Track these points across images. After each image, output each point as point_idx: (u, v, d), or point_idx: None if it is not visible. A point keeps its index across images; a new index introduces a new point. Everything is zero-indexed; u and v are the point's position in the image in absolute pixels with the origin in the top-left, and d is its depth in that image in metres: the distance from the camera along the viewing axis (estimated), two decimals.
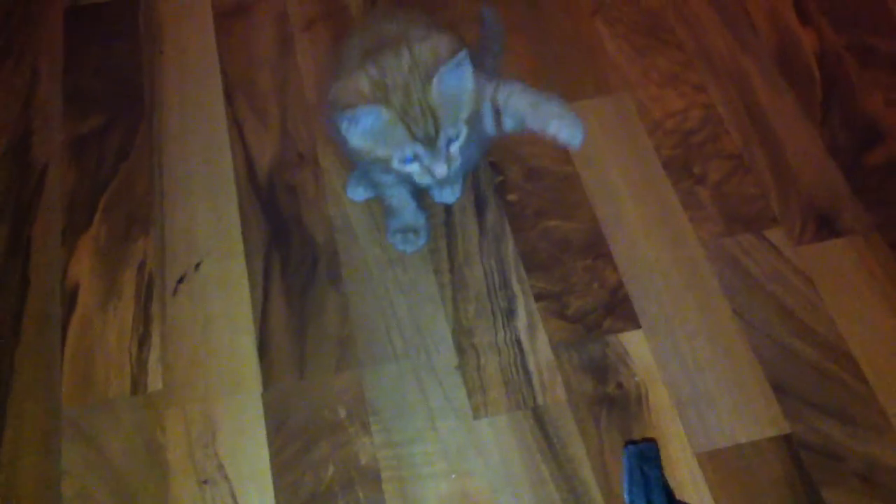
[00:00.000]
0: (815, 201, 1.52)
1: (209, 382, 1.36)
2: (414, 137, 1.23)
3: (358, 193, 1.53)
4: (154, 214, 1.54)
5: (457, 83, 1.24)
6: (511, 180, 1.55)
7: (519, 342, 1.39)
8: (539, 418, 1.32)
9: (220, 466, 1.29)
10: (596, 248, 1.48)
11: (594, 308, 1.42)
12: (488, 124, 1.37)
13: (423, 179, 1.29)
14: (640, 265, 1.46)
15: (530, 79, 1.67)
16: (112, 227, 1.53)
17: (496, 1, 1.76)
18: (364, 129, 1.23)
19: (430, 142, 1.24)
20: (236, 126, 1.65)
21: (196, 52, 1.77)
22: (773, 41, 1.74)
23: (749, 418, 1.31)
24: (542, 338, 1.39)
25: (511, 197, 1.54)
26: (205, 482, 1.27)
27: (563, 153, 1.59)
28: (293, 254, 1.49)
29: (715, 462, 1.27)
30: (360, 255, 1.48)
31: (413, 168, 1.27)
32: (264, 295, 1.44)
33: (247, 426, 1.32)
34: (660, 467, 1.17)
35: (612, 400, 1.33)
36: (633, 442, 1.27)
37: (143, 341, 1.40)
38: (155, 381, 1.36)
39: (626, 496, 1.20)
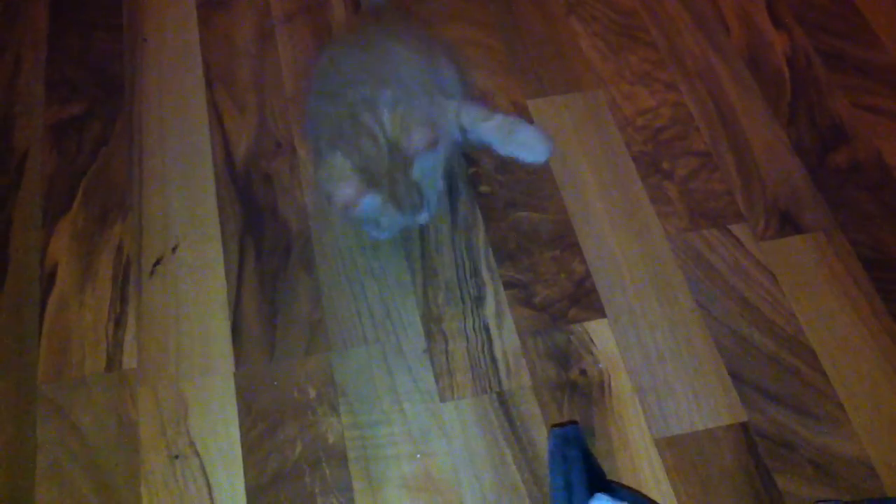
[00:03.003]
0: (780, 199, 1.56)
1: (182, 362, 1.39)
2: (403, 210, 1.33)
3: None
4: (132, 199, 1.56)
5: (433, 160, 1.32)
6: (484, 172, 1.58)
7: (487, 328, 1.42)
8: (504, 402, 1.35)
9: (191, 443, 1.31)
10: (564, 239, 1.51)
11: (561, 297, 1.45)
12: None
13: (406, 225, 1.42)
14: (606, 257, 1.50)
15: (505, 74, 1.71)
16: (91, 210, 1.55)
17: None
18: (361, 212, 1.31)
19: (415, 209, 1.34)
20: (215, 114, 1.68)
21: (177, 41, 1.79)
22: (744, 42, 1.78)
23: (707, 406, 1.35)
24: (509, 325, 1.42)
25: (483, 188, 1.57)
26: (176, 457, 1.30)
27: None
28: (267, 239, 1.52)
29: (673, 448, 1.31)
30: (333, 241, 1.51)
31: (397, 223, 1.39)
32: (238, 279, 1.47)
33: (218, 405, 1.35)
34: (581, 449, 1.20)
35: (575, 386, 1.37)
36: (559, 426, 1.31)
37: (118, 321, 1.43)
38: (129, 360, 1.39)
39: (549, 476, 1.22)
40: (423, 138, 1.29)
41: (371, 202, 1.29)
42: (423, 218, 1.38)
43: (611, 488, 1.22)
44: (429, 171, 1.33)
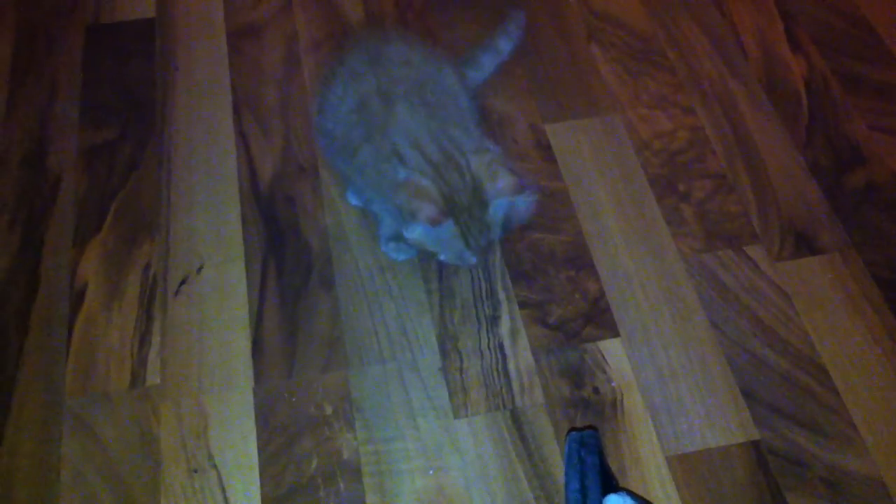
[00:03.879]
0: (795, 219, 1.57)
1: (203, 378, 1.43)
2: (469, 248, 1.36)
3: (356, 199, 1.61)
4: (160, 221, 1.61)
5: (504, 210, 1.37)
6: None
7: (501, 347, 1.45)
8: (517, 419, 1.37)
9: (210, 457, 1.35)
10: (580, 259, 1.54)
11: (575, 316, 1.47)
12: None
13: (453, 262, 1.44)
14: (621, 277, 1.52)
15: (525, 98, 1.74)
16: (120, 231, 1.60)
17: (496, 23, 1.84)
18: (430, 235, 1.34)
19: (477, 249, 1.37)
20: (242, 139, 1.72)
21: (208, 69, 1.85)
22: (762, 66, 1.80)
23: (719, 424, 1.36)
24: (524, 343, 1.45)
25: None
26: (195, 471, 1.34)
27: (553, 170, 1.65)
28: (289, 260, 1.55)
29: (684, 465, 1.32)
30: (353, 262, 1.55)
31: (450, 257, 1.42)
32: (260, 298, 1.51)
33: (237, 420, 1.38)
34: (598, 454, 1.22)
35: (588, 403, 1.38)
36: (577, 429, 1.33)
37: (143, 339, 1.47)
38: (153, 376, 1.43)
39: (564, 479, 1.24)
40: (508, 186, 1.32)
41: (448, 228, 1.32)
42: (474, 260, 1.41)
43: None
44: (499, 218, 1.37)
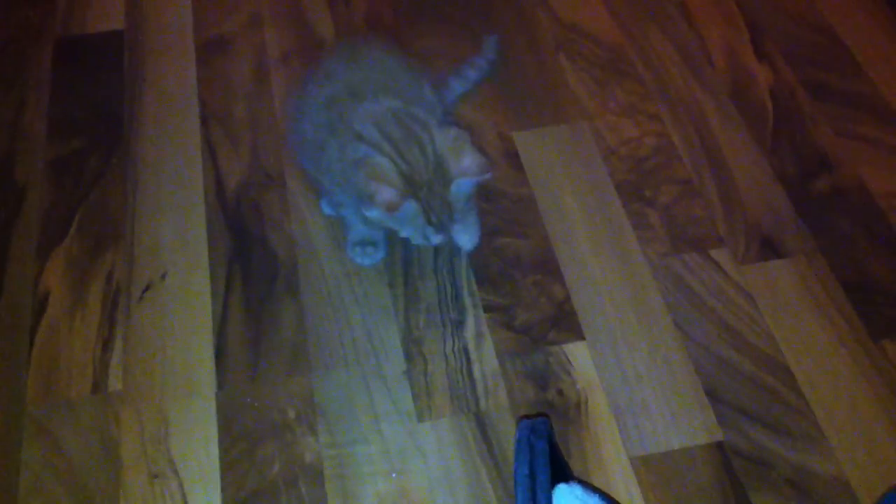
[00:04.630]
0: (761, 224, 1.57)
1: (166, 384, 1.41)
2: (431, 224, 1.35)
3: (328, 207, 1.61)
4: (125, 229, 1.60)
5: (468, 188, 1.37)
6: None
7: (466, 350, 1.44)
8: (481, 422, 1.36)
9: (171, 462, 1.33)
10: (546, 264, 1.53)
11: (540, 320, 1.47)
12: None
13: (416, 241, 1.42)
14: (587, 281, 1.51)
15: (493, 107, 1.75)
16: (85, 240, 1.59)
17: (465, 35, 1.85)
18: (391, 215, 1.32)
19: (443, 227, 1.36)
20: (209, 149, 1.72)
21: (176, 81, 1.85)
22: (728, 76, 1.81)
23: (684, 425, 1.35)
24: (489, 347, 1.44)
25: None
26: (155, 477, 1.32)
27: (520, 177, 1.65)
28: (255, 267, 1.55)
29: (648, 466, 1.31)
30: (319, 268, 1.54)
31: (413, 234, 1.40)
32: (224, 304, 1.50)
33: (198, 425, 1.37)
34: (548, 441, 1.21)
35: (552, 406, 1.38)
36: (528, 417, 1.32)
37: (106, 345, 1.46)
38: (115, 383, 1.42)
39: (514, 465, 1.23)
40: (474, 165, 1.32)
41: (409, 208, 1.31)
42: (439, 239, 1.39)
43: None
44: (462, 195, 1.36)
